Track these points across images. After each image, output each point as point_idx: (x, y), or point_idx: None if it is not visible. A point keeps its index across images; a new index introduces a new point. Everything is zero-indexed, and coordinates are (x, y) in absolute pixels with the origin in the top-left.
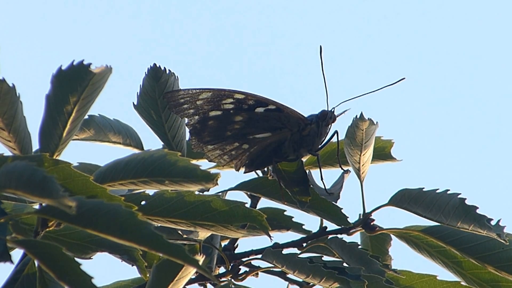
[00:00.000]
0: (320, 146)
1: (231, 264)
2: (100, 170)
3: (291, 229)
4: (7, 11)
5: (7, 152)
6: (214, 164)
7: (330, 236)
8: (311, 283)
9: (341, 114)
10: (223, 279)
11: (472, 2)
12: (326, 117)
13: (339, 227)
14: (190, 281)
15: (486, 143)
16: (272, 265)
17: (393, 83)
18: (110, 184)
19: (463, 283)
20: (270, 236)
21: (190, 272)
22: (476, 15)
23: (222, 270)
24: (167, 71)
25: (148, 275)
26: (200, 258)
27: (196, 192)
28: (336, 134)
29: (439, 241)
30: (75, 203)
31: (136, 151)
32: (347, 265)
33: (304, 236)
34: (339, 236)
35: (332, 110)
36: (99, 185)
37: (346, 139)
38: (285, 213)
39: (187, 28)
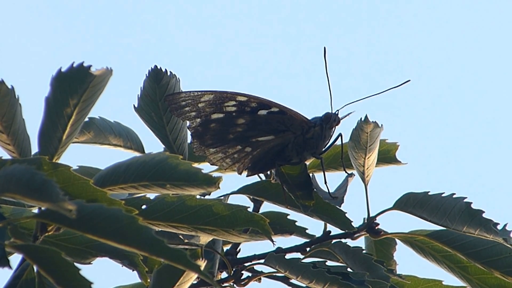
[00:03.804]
0: (323, 149)
1: (233, 269)
2: (100, 173)
3: (294, 233)
4: (6, 12)
5: (6, 155)
6: (216, 167)
7: (334, 241)
8: None
9: (345, 116)
10: (225, 284)
11: (478, 3)
12: (330, 120)
13: (343, 231)
14: (192, 287)
15: (492, 146)
16: (275, 270)
17: (398, 85)
18: (110, 188)
19: None
20: (272, 241)
21: (191, 277)
22: (483, 17)
23: (224, 275)
24: (168, 73)
25: (148, 280)
26: (202, 263)
27: (198, 196)
28: (340, 137)
29: (444, 246)
30: (75, 207)
31: (136, 154)
32: (351, 270)
33: (307, 240)
34: (343, 240)
35: (336, 112)
36: (99, 189)
37: (350, 142)
38: (288, 217)
39: (188, 29)
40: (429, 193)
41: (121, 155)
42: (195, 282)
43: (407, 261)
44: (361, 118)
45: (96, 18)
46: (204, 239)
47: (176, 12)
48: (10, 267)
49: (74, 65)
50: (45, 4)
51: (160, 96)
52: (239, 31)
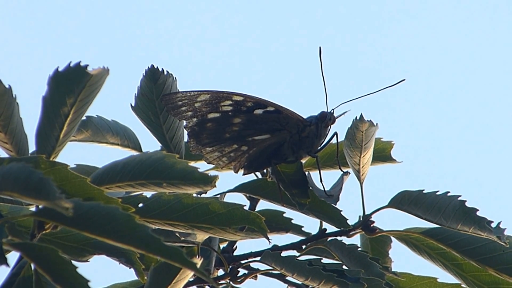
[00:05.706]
0: (319, 147)
1: (230, 267)
2: (98, 172)
3: (290, 231)
4: (4, 12)
5: (3, 154)
6: (213, 166)
7: (329, 238)
8: (310, 286)
9: (340, 115)
10: (221, 281)
11: (473, 2)
12: (326, 119)
13: (339, 229)
14: (188, 284)
15: (486, 144)
16: (271, 268)
17: (393, 84)
18: (107, 186)
19: (463, 285)
20: (268, 239)
21: (188, 274)
22: (478, 16)
23: (220, 272)
24: (165, 73)
25: (145, 277)
26: (198, 261)
27: (194, 195)
28: (335, 136)
29: (439, 243)
30: (72, 205)
31: (134, 152)
32: (346, 268)
33: (303, 238)
34: (338, 238)
35: (332, 111)
36: (96, 187)
37: (346, 141)
38: (284, 215)
39: (185, 29)
40: (424, 191)
41: (119, 153)
42: (192, 279)
43: (402, 259)
44: (356, 117)
45: (94, 17)
46: (201, 237)
47: (173, 11)
48: (7, 265)
49: (71, 64)
50: (43, 4)
51: (157, 95)
52: (235, 31)
